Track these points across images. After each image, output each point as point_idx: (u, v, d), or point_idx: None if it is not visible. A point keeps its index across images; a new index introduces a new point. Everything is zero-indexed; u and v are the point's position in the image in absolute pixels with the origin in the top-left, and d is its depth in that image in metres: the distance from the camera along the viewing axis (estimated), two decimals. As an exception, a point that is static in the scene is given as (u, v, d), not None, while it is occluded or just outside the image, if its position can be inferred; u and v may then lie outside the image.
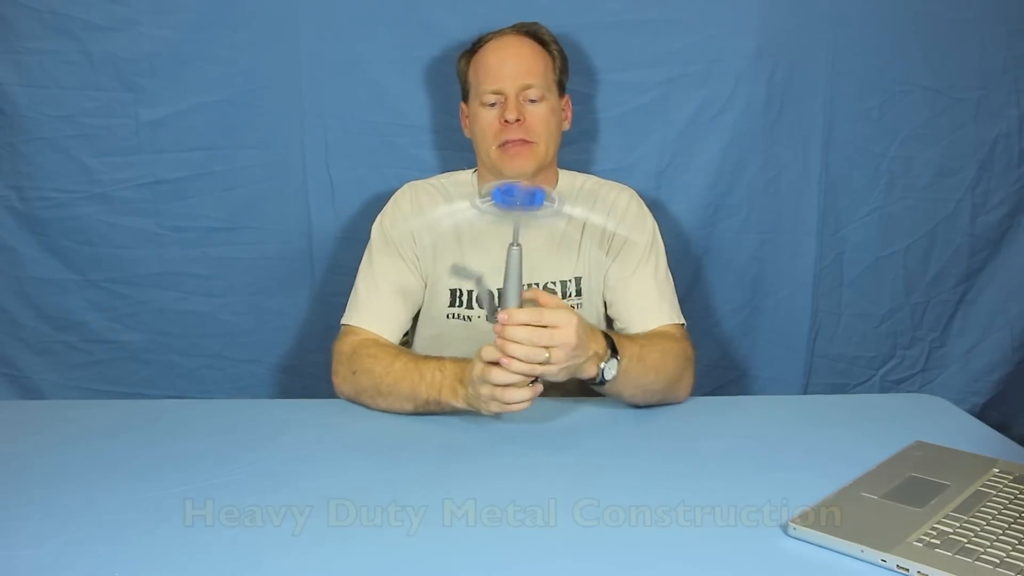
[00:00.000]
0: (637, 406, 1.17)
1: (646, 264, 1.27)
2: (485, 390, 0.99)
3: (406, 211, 1.32)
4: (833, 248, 1.63)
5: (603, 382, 1.05)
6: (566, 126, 1.35)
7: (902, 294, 1.66)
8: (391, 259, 1.29)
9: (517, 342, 0.95)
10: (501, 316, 0.96)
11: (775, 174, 1.59)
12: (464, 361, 1.08)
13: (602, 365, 1.04)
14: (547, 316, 0.96)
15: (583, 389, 1.30)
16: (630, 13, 1.50)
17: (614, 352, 1.05)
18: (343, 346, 1.23)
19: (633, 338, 1.13)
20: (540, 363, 0.96)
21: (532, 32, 1.32)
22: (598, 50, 1.51)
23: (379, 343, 1.23)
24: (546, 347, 0.95)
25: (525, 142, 1.25)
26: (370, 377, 1.16)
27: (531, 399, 0.99)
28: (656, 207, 1.38)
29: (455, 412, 1.10)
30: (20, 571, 0.72)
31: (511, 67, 1.26)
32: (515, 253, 0.98)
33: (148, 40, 1.46)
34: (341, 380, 1.21)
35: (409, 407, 1.14)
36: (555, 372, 0.98)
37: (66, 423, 1.10)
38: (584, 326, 1.00)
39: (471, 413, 1.11)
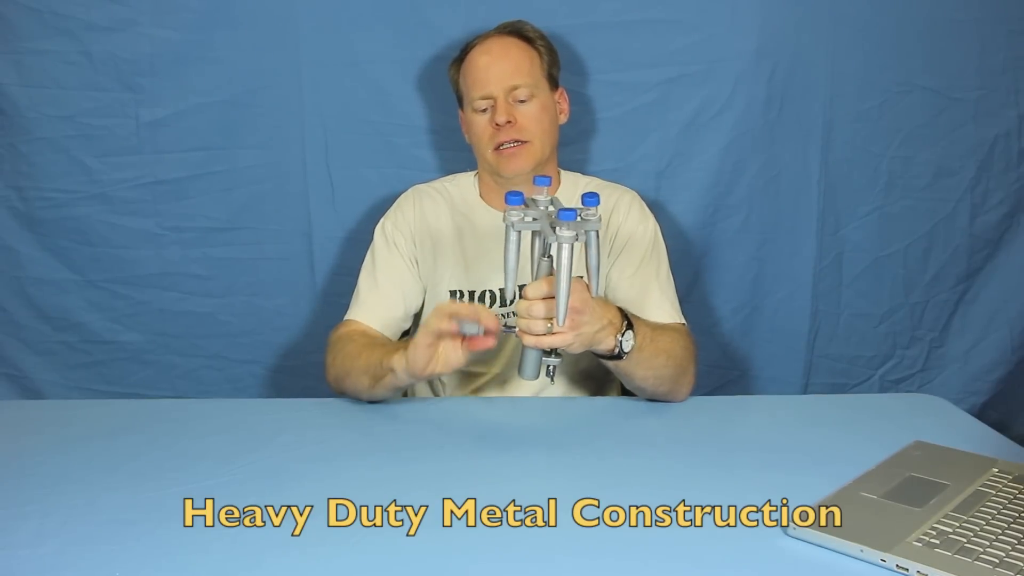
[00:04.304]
0: (644, 396, 1.17)
1: (647, 265, 1.27)
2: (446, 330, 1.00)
3: (408, 215, 1.33)
4: (833, 248, 1.63)
5: (622, 354, 1.05)
6: (563, 119, 1.35)
7: (901, 294, 1.66)
8: (392, 259, 1.30)
9: (518, 315, 0.96)
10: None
11: (775, 174, 1.59)
12: None
13: (619, 337, 1.04)
14: (551, 286, 0.97)
15: (586, 386, 1.30)
16: (630, 13, 1.50)
17: (629, 325, 1.06)
18: (333, 336, 1.24)
19: (644, 320, 1.14)
20: (545, 333, 0.96)
21: (516, 31, 1.32)
22: (598, 50, 1.51)
23: (367, 334, 1.23)
24: (547, 318, 0.96)
25: (519, 142, 1.25)
26: (343, 359, 1.17)
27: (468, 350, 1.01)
28: (656, 207, 1.38)
29: (394, 380, 1.09)
30: (20, 571, 0.72)
31: (497, 70, 1.26)
32: (544, 265, 0.99)
33: (148, 40, 1.46)
34: (327, 370, 1.22)
35: (365, 381, 1.13)
36: (570, 341, 0.98)
37: (66, 423, 1.10)
38: (591, 297, 1.01)
39: (470, 413, 1.10)
